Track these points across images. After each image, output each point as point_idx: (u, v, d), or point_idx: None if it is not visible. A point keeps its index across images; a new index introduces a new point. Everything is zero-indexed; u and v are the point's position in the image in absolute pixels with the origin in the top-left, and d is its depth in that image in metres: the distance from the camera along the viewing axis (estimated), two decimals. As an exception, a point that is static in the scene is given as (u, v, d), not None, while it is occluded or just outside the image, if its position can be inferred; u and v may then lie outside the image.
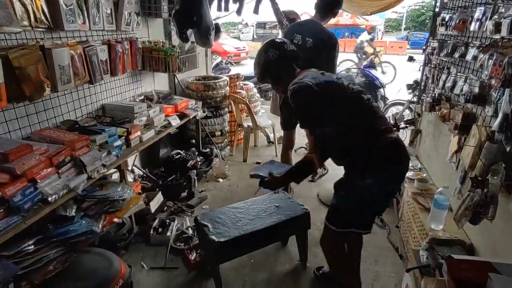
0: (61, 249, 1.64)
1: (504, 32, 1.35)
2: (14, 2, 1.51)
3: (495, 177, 1.31)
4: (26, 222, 1.44)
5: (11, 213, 1.40)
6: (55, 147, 1.66)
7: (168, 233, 2.43)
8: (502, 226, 1.43)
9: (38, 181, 1.50)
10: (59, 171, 1.62)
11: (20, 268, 1.45)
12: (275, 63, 1.69)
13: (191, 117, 3.01)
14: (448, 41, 2.13)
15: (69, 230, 1.68)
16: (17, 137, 1.76)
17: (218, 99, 3.57)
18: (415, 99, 3.34)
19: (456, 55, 1.95)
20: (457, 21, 1.96)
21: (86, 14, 2.01)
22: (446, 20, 2.14)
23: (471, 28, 1.77)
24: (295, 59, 1.74)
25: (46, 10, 1.73)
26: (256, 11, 3.47)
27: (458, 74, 1.96)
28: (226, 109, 3.81)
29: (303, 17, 3.96)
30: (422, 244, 1.70)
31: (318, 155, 1.59)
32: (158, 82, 3.23)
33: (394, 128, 1.63)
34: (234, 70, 7.10)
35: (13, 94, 1.60)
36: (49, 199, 1.54)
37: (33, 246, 1.55)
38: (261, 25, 20.12)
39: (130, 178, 2.68)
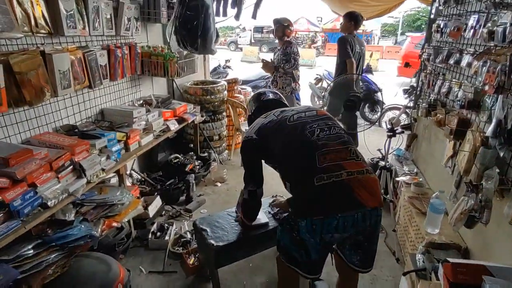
0: (60, 253, 1.65)
1: (497, 39, 1.38)
2: (15, 8, 1.53)
3: (489, 182, 1.34)
4: (26, 226, 1.45)
5: (11, 217, 1.41)
6: (55, 151, 1.67)
7: (167, 238, 2.43)
8: (496, 230, 1.45)
9: (38, 185, 1.51)
10: (59, 176, 1.63)
11: (20, 272, 1.46)
12: (253, 114, 1.87)
13: (189, 121, 3.03)
14: (443, 48, 2.17)
15: (68, 235, 1.68)
16: (17, 141, 1.77)
17: (216, 103, 3.59)
18: (411, 104, 3.38)
19: (451, 61, 1.99)
20: (452, 28, 1.99)
21: (86, 20, 2.03)
22: (441, 27, 2.19)
23: (466, 35, 1.81)
24: (268, 108, 1.77)
25: (46, 15, 1.75)
26: (254, 16, 3.51)
27: (453, 80, 2.00)
28: (224, 114, 3.83)
29: (300, 22, 4.07)
30: (419, 247, 1.72)
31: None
32: (157, 87, 3.25)
33: (350, 161, 1.35)
34: (232, 74, 7.13)
35: (13, 99, 1.61)
36: (49, 203, 1.55)
37: (32, 251, 1.56)
38: (258, 29, 20.27)
39: (128, 182, 2.68)
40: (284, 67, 3.76)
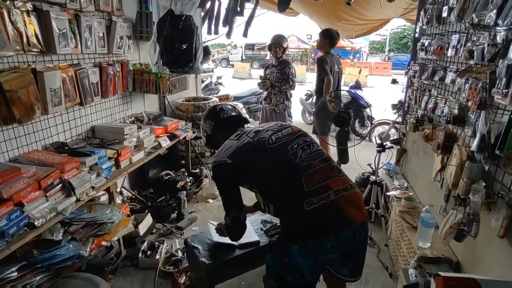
0: (46, 275, 1.61)
1: (477, 58, 1.44)
2: (7, 26, 1.54)
3: (476, 196, 1.36)
4: (11, 248, 1.41)
5: (-5, 238, 1.37)
6: (44, 169, 1.65)
7: (157, 256, 2.38)
8: (485, 243, 1.47)
9: (25, 204, 1.48)
10: (47, 194, 1.60)
11: (2, 297, 1.40)
12: (212, 133, 1.73)
13: (181, 138, 3.03)
14: (428, 65, 2.25)
15: (56, 255, 1.64)
16: (5, 160, 1.74)
17: (208, 119, 3.60)
18: (400, 119, 3.46)
19: (436, 78, 2.06)
20: (436, 47, 2.07)
21: (78, 38, 2.05)
22: (426, 45, 2.27)
23: (448, 54, 1.88)
24: (231, 126, 1.66)
25: (39, 34, 1.76)
26: (245, 34, 3.58)
27: (439, 96, 2.06)
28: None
29: (290, 40, 4.19)
30: (411, 262, 1.73)
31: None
32: (149, 104, 3.26)
33: (336, 177, 1.37)
34: (223, 91, 7.20)
35: (2, 116, 1.60)
36: (36, 223, 1.51)
37: (16, 273, 1.52)
38: (249, 46, 20.64)
39: (118, 200, 2.64)
40: (281, 86, 3.82)
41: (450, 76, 1.85)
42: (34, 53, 1.78)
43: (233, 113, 1.75)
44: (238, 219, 1.52)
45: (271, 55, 4.07)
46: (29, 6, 1.70)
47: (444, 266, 1.72)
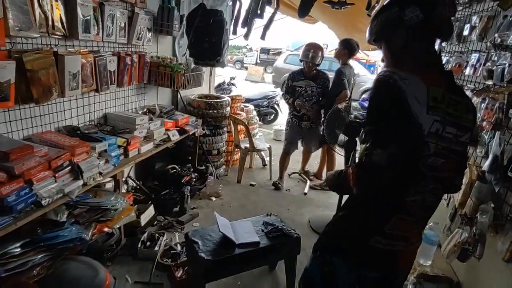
0: (47, 254, 1.62)
1: (496, 79, 1.43)
2: (35, 9, 1.58)
3: (484, 216, 1.35)
4: (17, 223, 1.43)
5: (3, 213, 1.39)
6: (55, 151, 1.67)
7: (156, 248, 2.39)
8: (489, 265, 1.45)
9: (34, 183, 1.50)
10: (56, 175, 1.63)
11: (4, 270, 1.42)
12: (406, 31, 1.10)
13: (190, 133, 3.05)
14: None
15: (58, 236, 1.65)
16: (19, 137, 1.77)
17: (218, 118, 3.62)
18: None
19: (451, 96, 2.04)
20: (454, 64, 2.06)
21: (100, 26, 2.09)
22: (444, 62, 2.26)
23: (466, 72, 1.87)
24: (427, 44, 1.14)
25: (64, 19, 1.80)
26: (263, 37, 3.61)
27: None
28: (225, 129, 3.86)
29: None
30: (410, 278, 1.71)
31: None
32: (162, 97, 3.29)
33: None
34: (235, 92, 7.24)
35: (21, 95, 1.63)
36: (43, 202, 1.53)
37: (19, 249, 1.53)
38: (265, 50, 20.71)
39: (123, 189, 2.66)
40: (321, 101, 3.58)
41: (466, 95, 1.84)
42: (57, 36, 1.82)
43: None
44: (395, 157, 1.03)
45: (305, 63, 3.51)
46: (57, -10, 1.74)
47: (444, 285, 1.70)
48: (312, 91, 3.53)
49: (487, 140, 1.50)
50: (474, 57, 1.79)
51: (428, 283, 1.68)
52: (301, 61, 3.57)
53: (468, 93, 1.82)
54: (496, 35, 1.44)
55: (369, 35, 1.23)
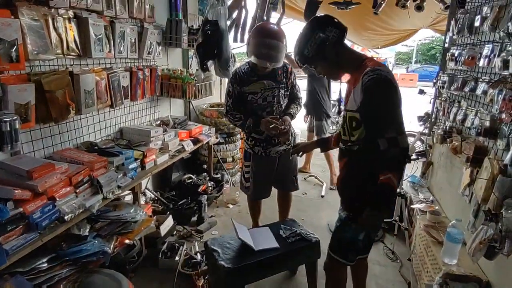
0: (72, 268, 1.66)
1: (512, 69, 1.39)
2: (51, 32, 1.65)
3: (510, 211, 1.30)
4: (43, 239, 1.48)
5: (29, 229, 1.44)
6: (75, 167, 1.73)
7: (177, 258, 2.42)
8: (519, 262, 1.39)
9: (57, 199, 1.55)
10: (77, 191, 1.68)
11: (33, 286, 1.47)
12: (334, 46, 1.41)
13: (204, 142, 3.08)
14: (458, 76, 2.18)
15: (82, 250, 1.70)
16: (40, 156, 1.84)
17: (230, 126, 3.65)
18: (426, 130, 3.35)
19: (466, 89, 1.99)
20: (467, 57, 2.02)
21: (112, 43, 2.15)
22: (456, 55, 2.21)
23: (480, 64, 1.82)
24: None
25: (77, 39, 1.87)
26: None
27: (469, 107, 1.99)
28: (238, 136, 3.88)
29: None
30: (436, 278, 1.66)
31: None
32: (174, 108, 3.35)
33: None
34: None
35: (41, 116, 1.70)
36: (66, 217, 1.58)
37: (46, 264, 1.58)
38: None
39: (142, 200, 2.71)
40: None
41: (481, 87, 1.79)
42: (72, 56, 1.89)
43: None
44: (395, 140, 1.30)
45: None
46: (70, 13, 1.81)
47: (473, 285, 1.64)
48: (274, 96, 2.23)
49: (507, 133, 1.45)
50: (487, 48, 1.75)
51: (455, 282, 1.62)
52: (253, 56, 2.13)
53: (483, 85, 1.77)
54: (510, 24, 1.41)
55: (304, 62, 1.48)
